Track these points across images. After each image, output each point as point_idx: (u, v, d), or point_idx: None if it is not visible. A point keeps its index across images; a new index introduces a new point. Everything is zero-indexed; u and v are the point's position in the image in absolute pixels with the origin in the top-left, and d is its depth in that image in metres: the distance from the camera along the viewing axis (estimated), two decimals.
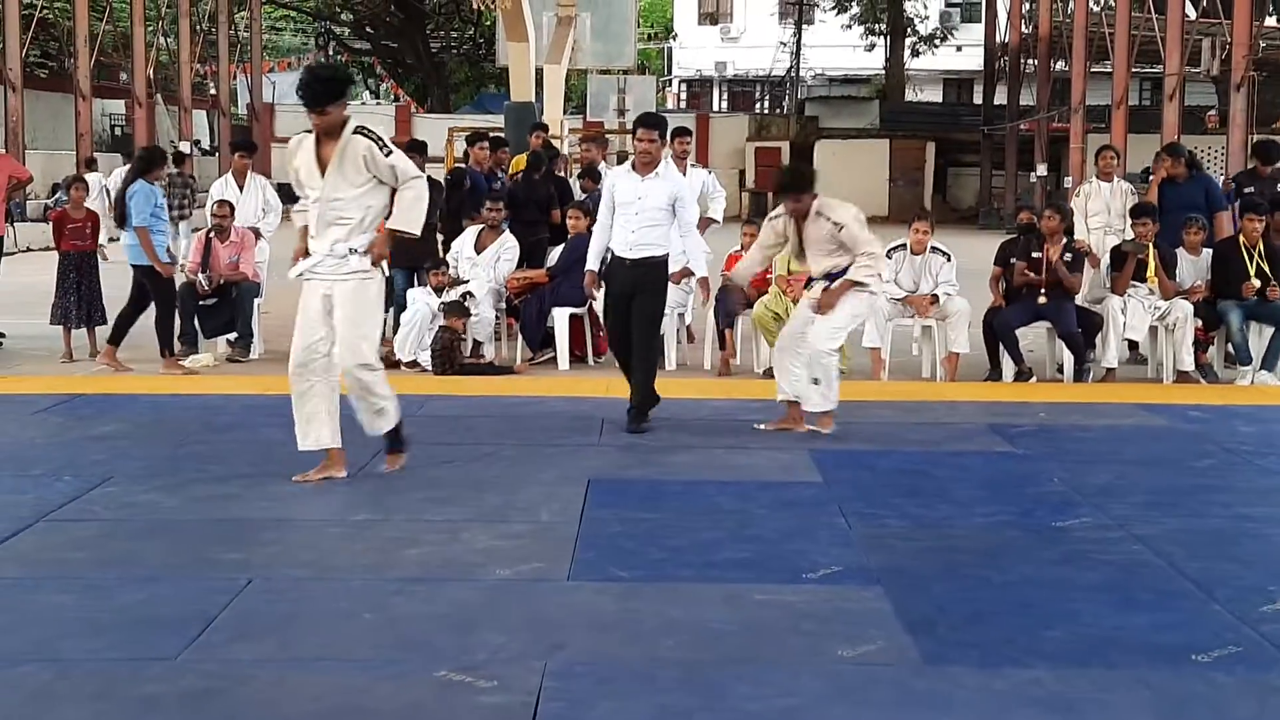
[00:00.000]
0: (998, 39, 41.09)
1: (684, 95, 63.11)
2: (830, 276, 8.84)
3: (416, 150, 12.35)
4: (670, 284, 11.68)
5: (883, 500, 7.15)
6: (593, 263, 9.30)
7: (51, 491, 7.09)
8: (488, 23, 38.75)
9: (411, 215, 7.31)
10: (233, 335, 12.32)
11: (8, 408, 9.72)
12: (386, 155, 7.19)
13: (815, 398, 8.84)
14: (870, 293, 8.95)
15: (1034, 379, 11.29)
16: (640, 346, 9.13)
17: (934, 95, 56.85)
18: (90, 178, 26.81)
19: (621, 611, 5.33)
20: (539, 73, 19.88)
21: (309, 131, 7.37)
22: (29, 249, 22.83)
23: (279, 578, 5.72)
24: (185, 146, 36.06)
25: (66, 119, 32.85)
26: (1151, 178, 13.56)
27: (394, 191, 7.28)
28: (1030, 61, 37.88)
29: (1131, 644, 5.03)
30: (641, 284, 9.02)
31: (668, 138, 9.95)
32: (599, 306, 10.60)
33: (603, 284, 9.26)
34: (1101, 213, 13.13)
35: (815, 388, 8.81)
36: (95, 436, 8.67)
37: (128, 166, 15.03)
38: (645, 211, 8.97)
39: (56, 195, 25.32)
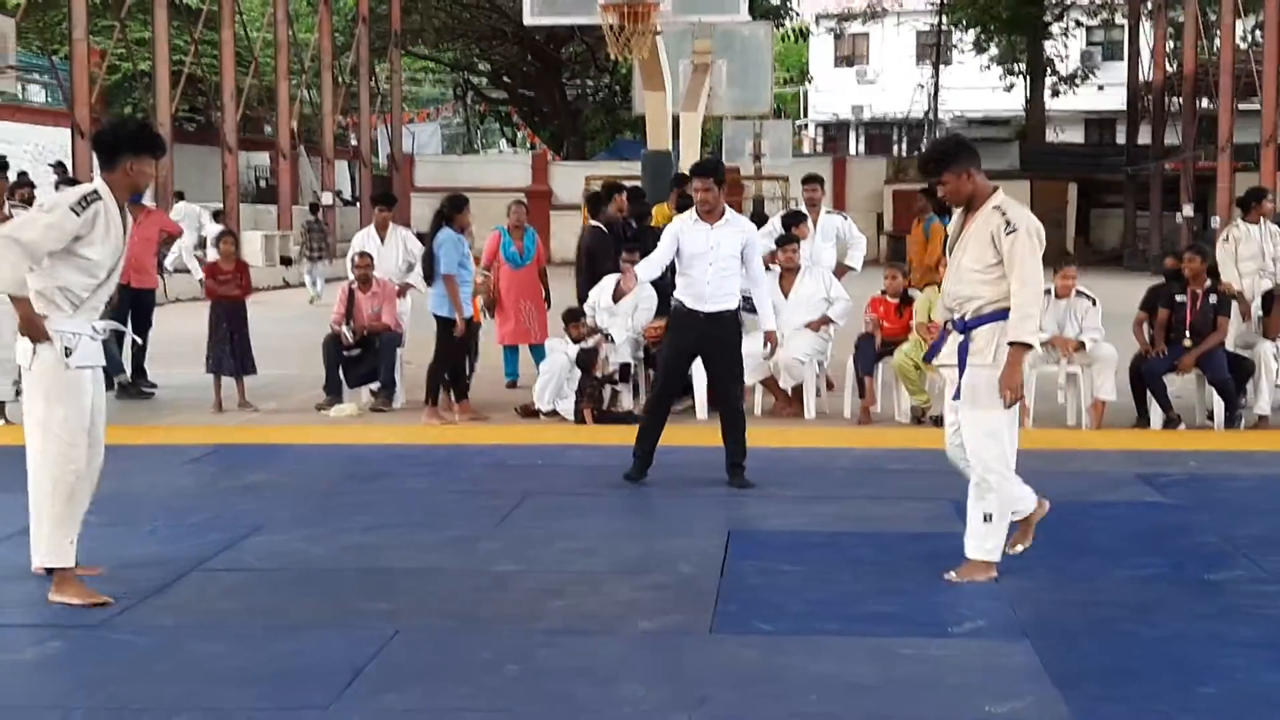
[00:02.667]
0: (1141, 77, 40.50)
1: (820, 139, 63.02)
2: (964, 324, 6.56)
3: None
4: (810, 331, 11.76)
5: (1029, 552, 7.02)
6: (645, 273, 9.00)
7: (204, 541, 7.25)
8: (623, 70, 39.06)
9: None
10: (376, 385, 12.50)
11: (161, 458, 9.96)
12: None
13: (970, 535, 6.63)
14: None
15: (1183, 427, 11.07)
16: (733, 399, 8.94)
17: (1075, 135, 56.15)
18: (181, 207, 28.21)
19: (765, 665, 5.31)
20: (675, 120, 19.98)
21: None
22: (177, 300, 23.39)
23: (425, 628, 5.79)
24: (328, 197, 36.84)
25: (213, 171, 33.67)
26: None
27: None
28: (1175, 100, 37.29)
29: None
30: (720, 338, 8.77)
31: (724, 184, 9.29)
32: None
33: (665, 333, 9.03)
34: (1255, 257, 12.81)
35: (978, 524, 6.57)
36: (245, 486, 8.86)
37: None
38: (719, 261, 8.69)
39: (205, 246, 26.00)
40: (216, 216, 29.44)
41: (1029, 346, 6.34)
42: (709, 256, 8.69)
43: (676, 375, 9.02)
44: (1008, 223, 6.40)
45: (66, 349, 6.21)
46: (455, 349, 11.67)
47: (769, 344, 9.38)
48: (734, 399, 8.96)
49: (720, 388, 8.97)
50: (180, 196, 29.81)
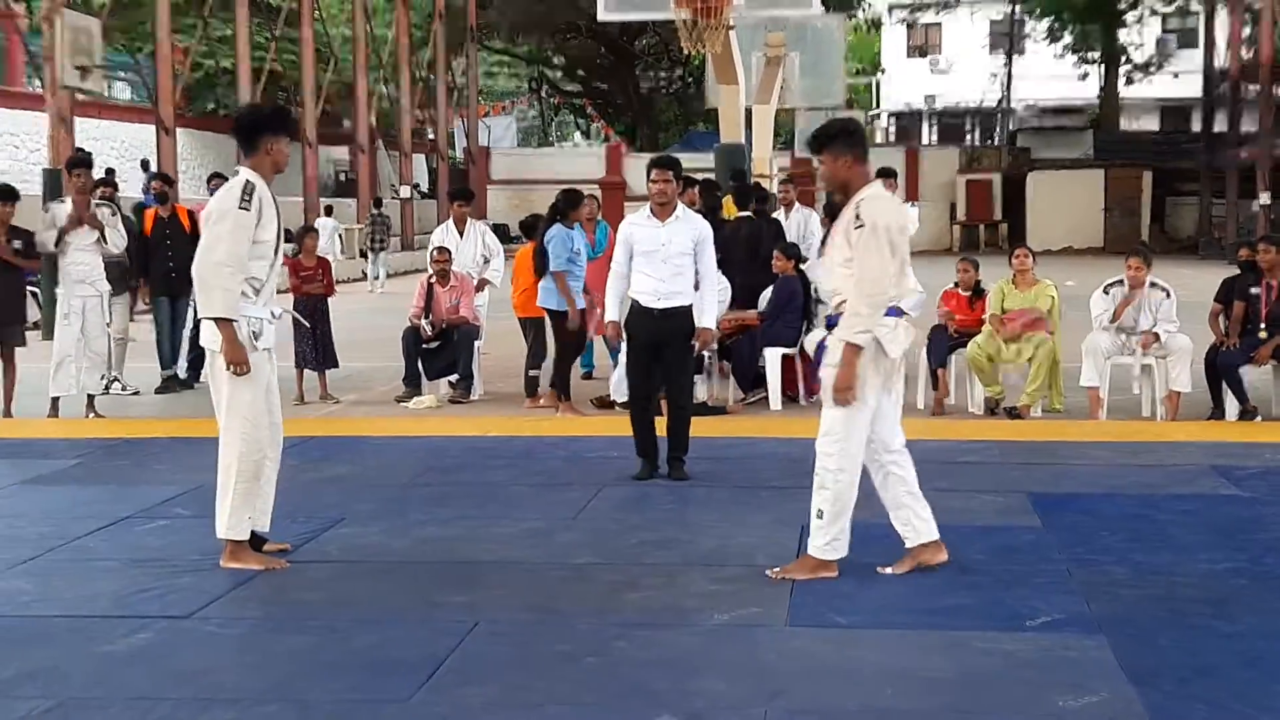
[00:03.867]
0: (1217, 65, 40.05)
1: (893, 129, 62.74)
2: (831, 321, 6.59)
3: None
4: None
5: (1104, 545, 7.05)
6: (613, 312, 8.94)
7: (288, 533, 7.38)
8: (696, 62, 39.11)
9: None
10: (454, 377, 12.65)
11: None
12: None
13: (814, 533, 6.52)
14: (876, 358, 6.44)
15: (1259, 419, 10.99)
16: (681, 396, 8.93)
17: (1150, 123, 55.56)
18: (326, 223, 29.20)
19: (840, 658, 5.37)
20: (748, 112, 20.00)
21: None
22: None
23: (504, 621, 5.89)
24: (405, 191, 37.16)
25: (294, 166, 33.82)
26: None
27: None
28: (1251, 87, 36.84)
29: None
30: (672, 334, 8.71)
31: (682, 180, 9.38)
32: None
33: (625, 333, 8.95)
34: None
35: (816, 519, 6.50)
36: (327, 479, 9.00)
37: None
38: (671, 259, 8.65)
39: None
40: (329, 212, 30.53)
41: (859, 347, 6.24)
42: (660, 254, 8.65)
43: (638, 373, 8.88)
44: (858, 217, 6.27)
45: (254, 333, 6.63)
46: (573, 339, 11.78)
47: (700, 342, 9.10)
48: (682, 395, 8.94)
49: (669, 382, 8.90)
50: (329, 212, 30.53)
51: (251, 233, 6.56)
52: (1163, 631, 5.67)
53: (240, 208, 6.53)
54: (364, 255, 31.47)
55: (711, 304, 9.01)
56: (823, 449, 6.44)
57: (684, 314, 8.73)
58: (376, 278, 28.70)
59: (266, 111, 7.13)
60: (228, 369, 6.58)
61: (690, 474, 8.80)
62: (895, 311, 6.46)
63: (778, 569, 6.50)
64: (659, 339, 8.75)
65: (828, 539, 6.42)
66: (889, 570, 6.52)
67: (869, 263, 6.24)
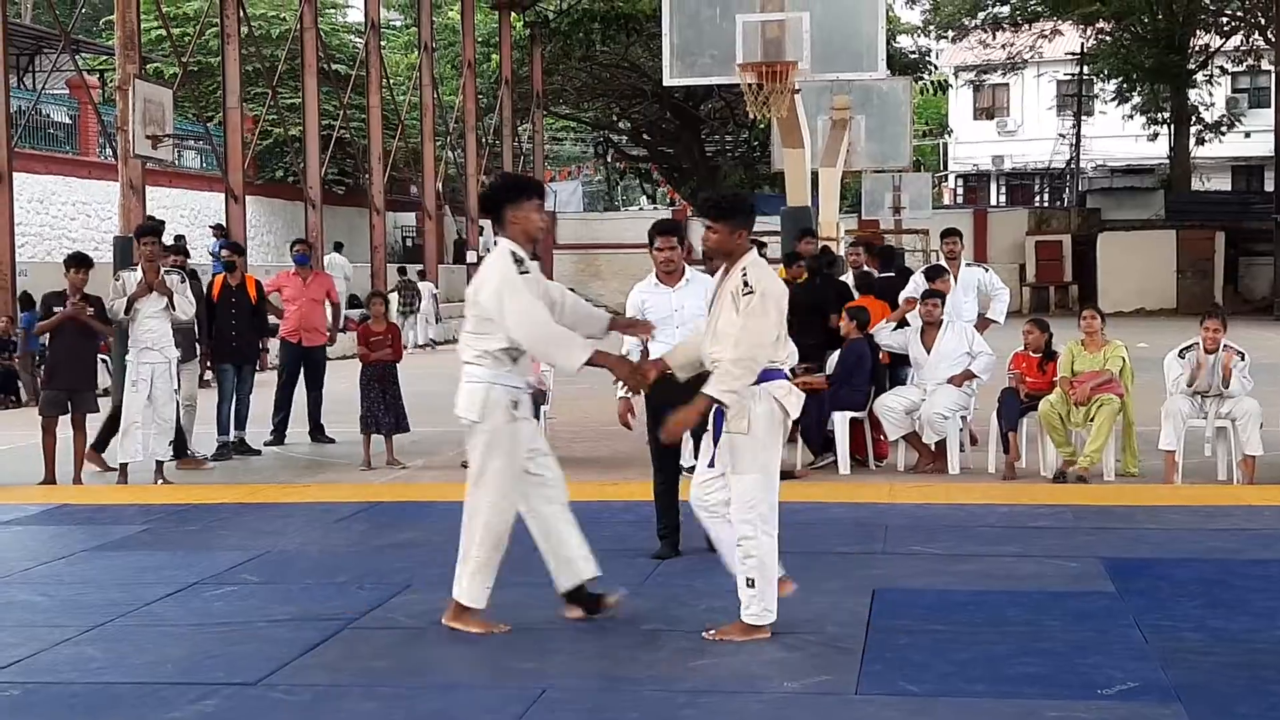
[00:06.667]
0: None
1: (960, 190, 62.61)
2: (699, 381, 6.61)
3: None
4: (953, 386, 11.69)
5: (1180, 611, 6.93)
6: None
7: (355, 599, 7.39)
8: (762, 125, 39.25)
9: None
10: None
11: (313, 515, 10.17)
12: None
13: (748, 601, 6.51)
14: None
15: None
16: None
17: (1222, 183, 55.15)
18: (336, 260, 29.74)
19: None
20: (814, 175, 20.00)
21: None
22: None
23: (572, 687, 5.85)
24: (473, 256, 37.40)
25: (361, 232, 34.35)
26: None
27: None
28: None
29: None
30: (690, 398, 8.54)
31: (687, 244, 9.26)
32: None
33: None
34: None
35: (748, 589, 6.50)
36: (395, 544, 9.01)
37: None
38: (686, 324, 8.44)
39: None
40: (423, 275, 31.16)
41: (714, 400, 6.37)
42: (674, 319, 8.54)
43: (661, 443, 8.38)
44: (745, 283, 6.40)
45: (514, 402, 6.66)
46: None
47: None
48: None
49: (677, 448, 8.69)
50: (338, 248, 30.97)
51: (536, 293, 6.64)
52: (1241, 700, 5.56)
53: (520, 273, 6.58)
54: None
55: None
56: (741, 518, 6.47)
57: (704, 379, 8.53)
58: (416, 344, 29.21)
59: (500, 182, 7.21)
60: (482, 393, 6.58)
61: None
62: (782, 374, 6.59)
63: (713, 630, 6.53)
64: (677, 403, 8.58)
65: (762, 606, 6.46)
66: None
67: (755, 326, 6.36)
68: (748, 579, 6.47)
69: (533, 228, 6.80)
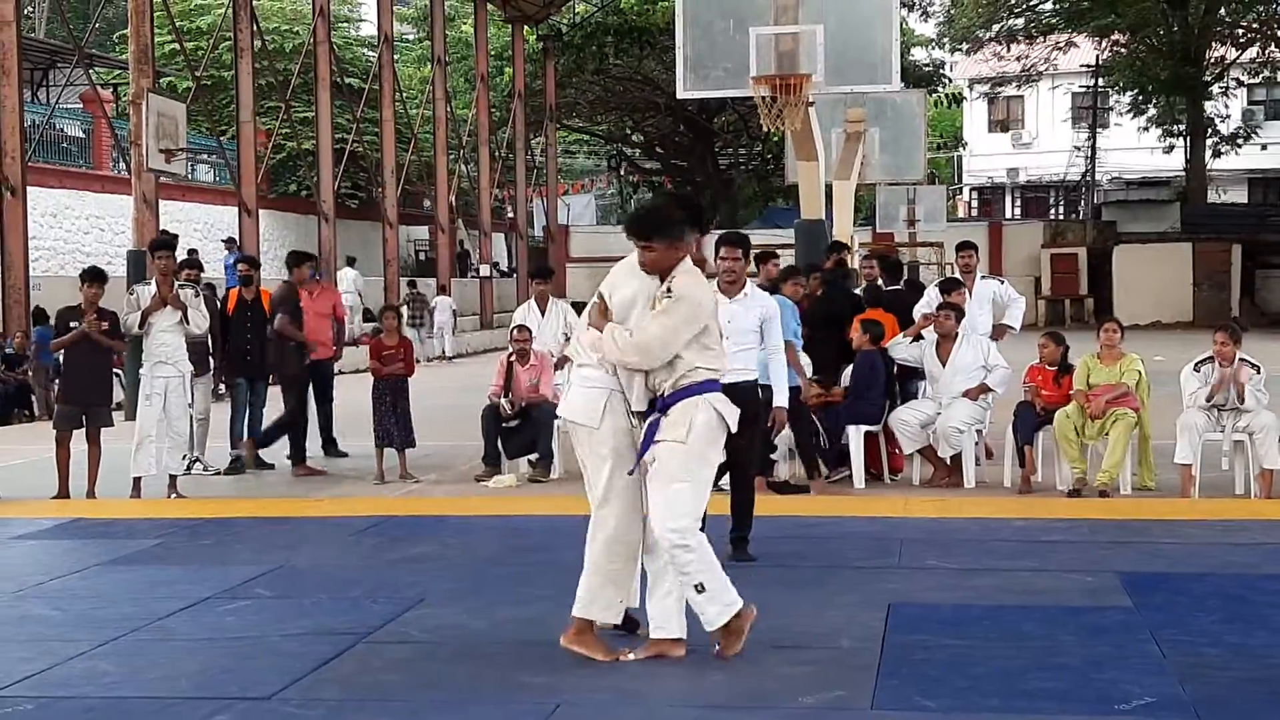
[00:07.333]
0: None
1: (975, 203, 62.55)
2: (664, 402, 6.39)
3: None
4: (968, 400, 11.65)
5: (1198, 626, 6.88)
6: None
7: (369, 614, 7.37)
8: (775, 138, 39.24)
9: None
10: (534, 456, 12.62)
11: (326, 530, 10.17)
12: None
13: (703, 607, 6.33)
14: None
15: None
16: (742, 474, 8.73)
17: (1238, 195, 55.06)
18: (348, 273, 29.91)
19: None
20: (828, 188, 19.98)
21: None
22: (340, 372, 23.84)
23: (585, 702, 5.82)
24: (485, 269, 37.45)
25: (374, 245, 34.41)
26: None
27: None
28: None
29: None
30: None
31: (751, 256, 9.37)
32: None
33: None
34: None
35: (698, 595, 6.31)
36: (408, 558, 8.99)
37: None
38: (735, 335, 8.45)
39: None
40: (351, 262, 31.19)
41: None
42: (726, 330, 8.51)
43: None
44: (669, 290, 6.27)
45: (630, 411, 6.43)
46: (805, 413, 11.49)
47: (774, 424, 9.13)
48: (746, 473, 8.74)
49: (732, 460, 8.71)
50: (351, 262, 31.05)
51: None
52: (1260, 715, 5.54)
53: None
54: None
55: (780, 383, 8.96)
56: (670, 526, 6.21)
57: (748, 389, 8.50)
58: (428, 358, 29.27)
59: (690, 204, 6.95)
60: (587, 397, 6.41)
61: (753, 555, 8.62)
62: (718, 386, 6.42)
63: (717, 647, 6.32)
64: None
65: (724, 603, 6.29)
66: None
67: (656, 325, 6.23)
68: (696, 585, 6.24)
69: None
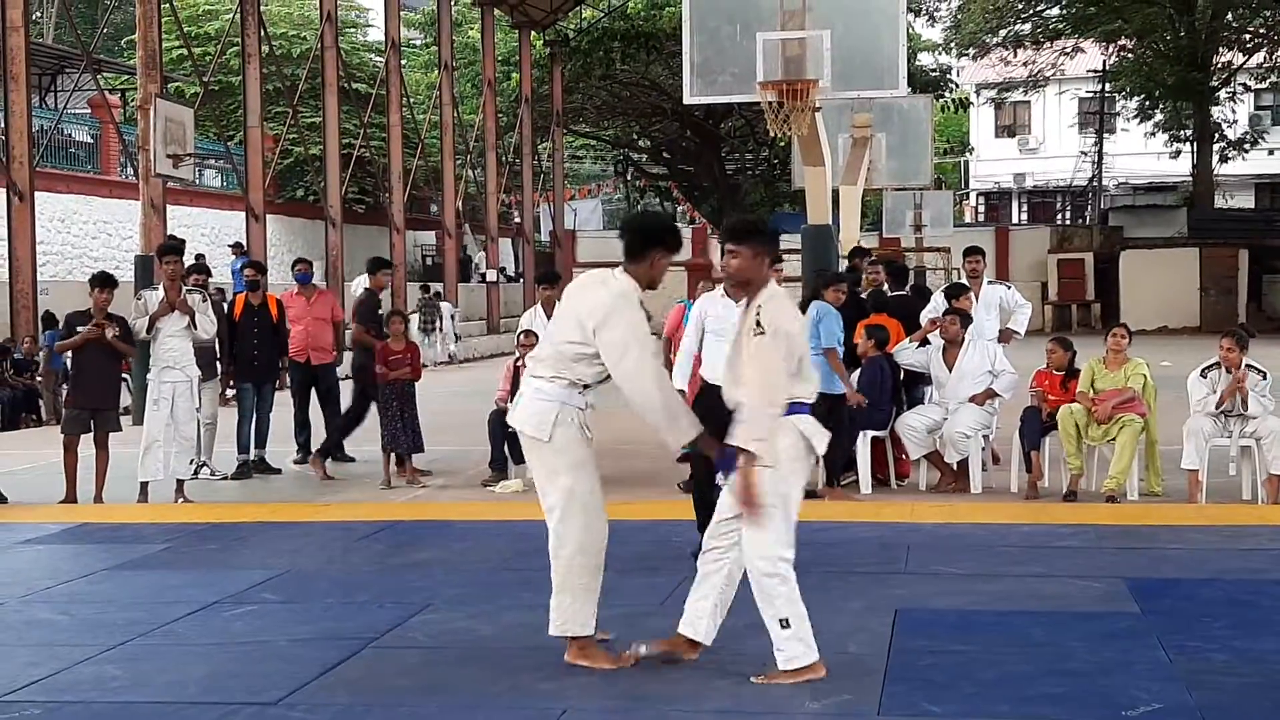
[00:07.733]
0: None
1: (982, 208, 62.52)
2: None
3: None
4: (975, 405, 11.64)
5: (1205, 632, 6.88)
6: (682, 383, 8.93)
7: (376, 618, 7.38)
8: (782, 143, 39.28)
9: None
10: None
11: (334, 534, 10.17)
12: None
13: (782, 643, 6.14)
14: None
15: None
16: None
17: (1245, 200, 55.00)
18: (442, 306, 30.16)
19: None
20: (835, 193, 19.96)
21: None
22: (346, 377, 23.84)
23: (592, 708, 5.83)
24: (492, 274, 37.46)
25: (381, 250, 34.36)
26: None
27: None
28: None
29: None
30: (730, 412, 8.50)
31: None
32: None
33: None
34: None
35: (782, 630, 6.12)
36: (414, 563, 8.99)
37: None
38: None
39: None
40: (439, 295, 31.60)
41: (752, 455, 6.00)
42: (729, 334, 8.49)
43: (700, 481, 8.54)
44: (758, 323, 6.12)
45: (585, 425, 6.41)
46: (842, 416, 11.34)
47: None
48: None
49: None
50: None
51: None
52: None
53: (638, 304, 6.34)
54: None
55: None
56: (759, 554, 6.10)
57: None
58: (436, 361, 29.34)
59: (662, 225, 6.76)
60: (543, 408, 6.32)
61: None
62: (807, 409, 6.29)
63: (761, 675, 6.11)
64: (727, 417, 8.59)
65: (807, 644, 6.11)
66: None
67: (759, 367, 6.09)
68: (780, 620, 6.07)
69: (659, 278, 6.52)
